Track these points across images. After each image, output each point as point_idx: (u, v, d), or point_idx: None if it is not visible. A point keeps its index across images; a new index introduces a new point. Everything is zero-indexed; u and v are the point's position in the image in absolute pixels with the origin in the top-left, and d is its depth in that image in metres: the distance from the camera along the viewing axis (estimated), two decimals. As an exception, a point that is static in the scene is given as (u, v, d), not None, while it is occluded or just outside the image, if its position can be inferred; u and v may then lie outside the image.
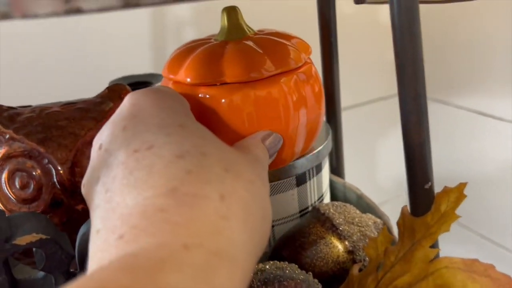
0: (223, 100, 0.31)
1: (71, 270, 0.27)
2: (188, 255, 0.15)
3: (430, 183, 0.27)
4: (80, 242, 0.25)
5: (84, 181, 0.21)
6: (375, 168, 0.86)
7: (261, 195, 0.21)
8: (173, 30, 0.59)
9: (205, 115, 0.32)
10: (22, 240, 0.25)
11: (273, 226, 0.37)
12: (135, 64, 0.56)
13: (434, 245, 0.26)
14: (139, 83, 0.43)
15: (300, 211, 0.38)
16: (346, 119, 0.72)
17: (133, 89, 0.30)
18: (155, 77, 0.45)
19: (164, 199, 0.17)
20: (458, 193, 0.26)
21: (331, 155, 0.47)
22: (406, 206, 0.29)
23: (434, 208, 0.27)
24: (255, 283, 0.29)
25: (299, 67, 0.33)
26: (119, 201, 0.18)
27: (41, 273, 0.28)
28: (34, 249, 0.27)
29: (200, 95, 0.31)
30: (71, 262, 0.27)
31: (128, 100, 0.22)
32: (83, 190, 0.20)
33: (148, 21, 0.57)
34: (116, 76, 0.47)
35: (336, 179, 0.45)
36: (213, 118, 0.31)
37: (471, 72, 0.71)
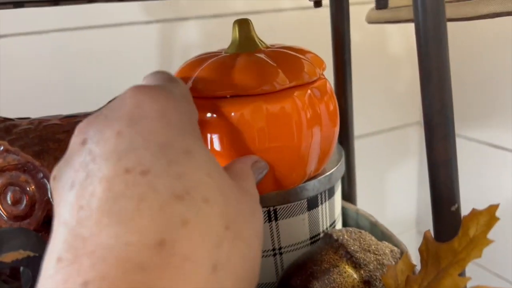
0: (233, 114, 0.29)
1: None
2: None
3: (456, 205, 0.25)
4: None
5: (55, 172, 0.17)
6: (385, 202, 0.83)
7: (255, 258, 0.17)
8: (181, 52, 0.58)
9: (214, 130, 0.30)
10: (7, 257, 0.23)
11: (281, 254, 0.34)
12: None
13: (463, 274, 0.24)
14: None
15: (311, 238, 0.35)
16: (357, 148, 0.70)
17: None
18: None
19: (148, 253, 0.14)
20: (488, 216, 0.24)
21: (343, 181, 0.45)
22: (428, 230, 0.27)
23: (462, 233, 0.25)
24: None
25: (314, 82, 0.31)
26: (93, 233, 0.14)
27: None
28: (21, 269, 0.24)
29: (209, 108, 0.30)
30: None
31: (130, 97, 0.18)
32: (52, 183, 0.17)
33: (155, 44, 0.57)
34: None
35: (348, 205, 0.42)
36: (222, 133, 0.30)
37: (481, 105, 0.70)
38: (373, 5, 0.43)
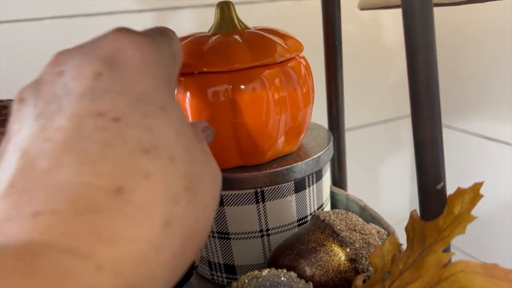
0: (202, 90, 0.31)
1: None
2: (99, 279, 0.12)
3: (442, 184, 0.25)
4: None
5: (24, 95, 0.16)
6: (378, 195, 0.83)
7: (208, 222, 0.17)
8: None
9: (183, 104, 0.31)
10: None
11: (268, 235, 0.34)
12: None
13: (447, 250, 0.24)
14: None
15: (298, 220, 0.35)
16: (350, 140, 0.69)
17: None
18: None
19: (103, 197, 0.13)
20: (473, 193, 0.24)
21: (333, 167, 0.45)
22: (415, 210, 0.27)
23: (447, 211, 0.25)
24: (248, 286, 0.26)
25: (284, 62, 0.32)
26: (51, 167, 0.14)
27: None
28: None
29: (180, 83, 0.31)
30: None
31: (114, 40, 0.17)
32: (17, 106, 0.16)
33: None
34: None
35: (338, 191, 0.42)
36: (191, 107, 0.31)
37: (475, 97, 0.70)
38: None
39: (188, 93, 0.31)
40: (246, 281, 0.27)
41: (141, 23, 0.56)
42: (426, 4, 0.23)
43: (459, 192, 0.25)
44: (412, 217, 0.27)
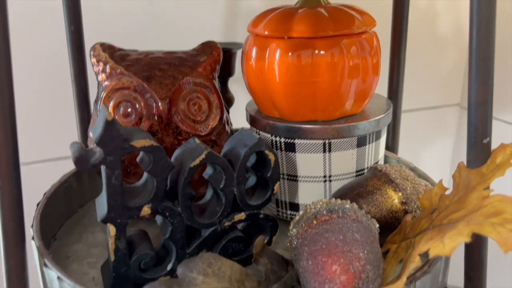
0: (289, 53, 0.37)
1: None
2: None
3: (488, 139, 0.31)
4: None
5: None
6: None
7: None
8: (244, 21, 0.64)
9: (271, 64, 0.38)
10: (138, 143, 0.30)
11: (330, 181, 0.41)
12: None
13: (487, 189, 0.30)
14: (223, 48, 0.48)
15: (357, 171, 0.42)
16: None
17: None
18: (237, 45, 0.50)
19: None
20: (514, 147, 0.29)
21: (388, 133, 0.50)
22: (462, 161, 0.33)
23: (490, 161, 0.31)
24: (321, 211, 0.33)
25: (360, 34, 0.38)
26: None
27: (140, 182, 0.34)
28: (141, 156, 0.32)
29: (271, 46, 0.38)
30: (170, 171, 0.32)
31: None
32: None
33: (220, 10, 0.62)
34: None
35: (391, 154, 0.48)
36: (279, 66, 0.38)
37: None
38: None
39: (277, 55, 0.38)
40: (319, 205, 0.33)
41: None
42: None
43: (502, 146, 0.31)
44: (459, 166, 0.33)
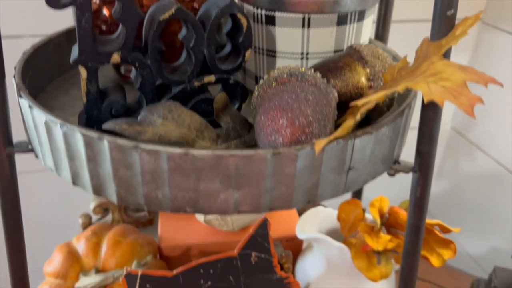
0: None
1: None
2: None
3: (452, 10, 0.30)
4: None
5: None
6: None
7: None
8: None
9: None
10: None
11: (307, 59, 0.42)
12: None
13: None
14: None
15: (335, 51, 0.42)
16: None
17: None
18: None
19: None
20: (475, 18, 0.29)
21: (378, 22, 0.50)
22: (427, 36, 0.33)
23: (451, 33, 0.31)
24: (282, 75, 0.34)
25: None
26: None
27: (115, 34, 0.35)
28: (115, 6, 0.33)
29: None
30: (139, 20, 0.33)
31: None
32: None
33: None
34: None
35: (378, 43, 0.48)
36: None
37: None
38: None
39: None
40: (282, 70, 0.35)
41: None
42: None
43: (464, 20, 0.30)
44: (423, 41, 0.33)
